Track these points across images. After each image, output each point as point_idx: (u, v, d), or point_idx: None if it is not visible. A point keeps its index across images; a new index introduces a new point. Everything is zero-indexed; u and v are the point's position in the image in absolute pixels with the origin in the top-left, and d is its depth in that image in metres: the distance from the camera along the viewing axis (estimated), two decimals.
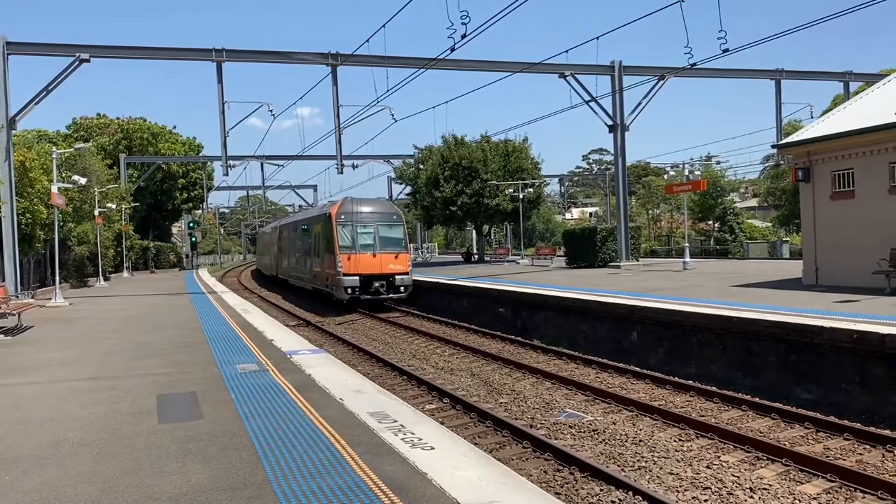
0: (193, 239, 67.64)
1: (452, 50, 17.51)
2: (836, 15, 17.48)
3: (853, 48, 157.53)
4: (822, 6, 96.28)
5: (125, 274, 46.63)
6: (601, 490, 7.64)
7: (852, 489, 7.62)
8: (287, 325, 19.33)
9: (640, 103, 32.35)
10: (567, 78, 30.41)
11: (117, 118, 61.38)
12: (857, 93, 30.11)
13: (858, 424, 9.74)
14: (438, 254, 74.31)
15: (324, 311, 27.53)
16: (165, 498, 5.19)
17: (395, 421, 7.11)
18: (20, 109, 26.31)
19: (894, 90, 18.79)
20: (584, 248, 33.50)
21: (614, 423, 10.39)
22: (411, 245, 27.66)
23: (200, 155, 63.71)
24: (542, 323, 19.80)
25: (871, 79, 35.60)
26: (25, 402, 8.68)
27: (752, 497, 7.47)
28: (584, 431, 10.03)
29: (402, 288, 26.48)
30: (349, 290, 25.58)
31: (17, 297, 21.48)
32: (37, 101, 26.31)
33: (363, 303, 26.19)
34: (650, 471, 8.32)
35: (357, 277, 25.58)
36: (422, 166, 47.23)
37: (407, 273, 26.65)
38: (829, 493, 7.60)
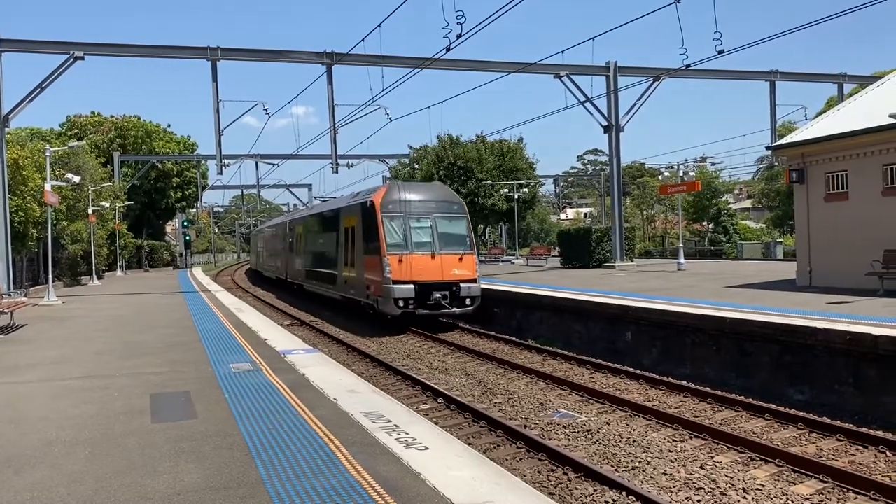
0: (187, 238, 67.51)
1: (448, 50, 17.55)
2: (832, 17, 17.58)
3: (848, 50, 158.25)
4: (818, 8, 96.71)
5: (119, 273, 46.47)
6: (595, 490, 7.65)
7: (845, 490, 7.64)
8: (281, 325, 19.30)
9: (635, 104, 32.48)
10: (562, 78, 30.46)
11: (111, 116, 61.21)
12: (851, 95, 30.25)
13: (851, 425, 9.77)
14: None
15: (317, 311, 27.43)
16: (158, 497, 5.17)
17: (390, 421, 7.10)
18: (13, 107, 26.25)
19: (888, 92, 18.87)
20: (579, 249, 33.54)
21: (608, 424, 10.40)
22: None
23: (195, 153, 63.60)
24: (537, 323, 19.81)
25: (865, 81, 35.76)
26: (18, 401, 8.65)
27: (745, 497, 7.48)
28: (578, 432, 10.04)
29: (468, 300, 20.38)
30: (401, 304, 19.71)
31: (9, 295, 21.42)
32: (30, 98, 26.24)
33: (416, 320, 20.47)
34: (644, 471, 8.33)
35: (412, 286, 19.71)
36: (417, 166, 47.33)
37: (475, 280, 20.64)
38: (822, 493, 7.62)
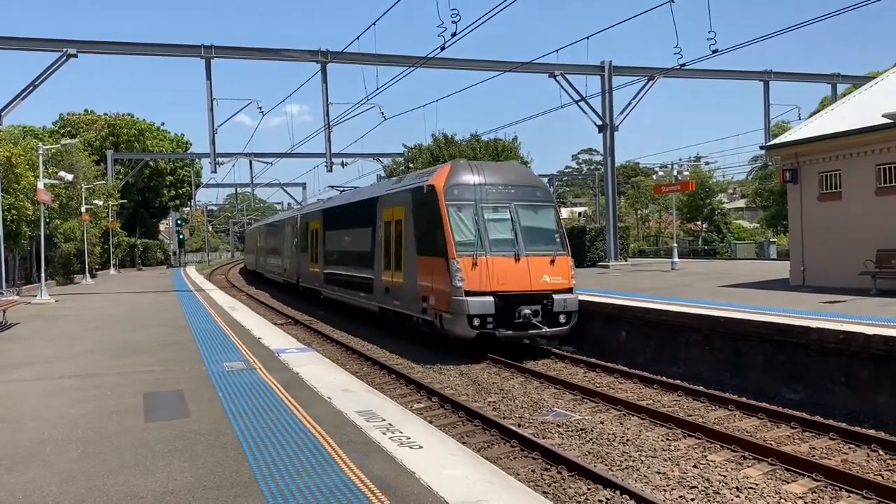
0: (181, 236, 67.28)
1: (443, 48, 17.54)
2: (826, 17, 17.65)
3: (842, 50, 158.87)
4: (812, 8, 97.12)
5: (112, 271, 46.34)
6: (589, 489, 7.65)
7: (837, 488, 7.66)
8: (275, 324, 19.25)
9: (629, 103, 32.54)
10: (557, 78, 30.48)
11: (104, 114, 60.96)
12: (845, 95, 30.36)
13: (844, 424, 9.80)
14: None
15: (311, 310, 27.35)
16: (151, 496, 5.15)
17: (383, 420, 7.09)
18: (6, 104, 26.18)
19: (882, 92, 18.94)
20: (574, 248, 33.49)
21: (602, 423, 10.41)
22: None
23: (188, 152, 63.43)
24: None
25: (859, 81, 35.89)
26: (10, 400, 8.60)
27: (738, 496, 7.50)
28: (572, 431, 10.04)
29: (562, 317, 15.62)
30: (476, 322, 14.87)
31: (1, 293, 21.32)
32: (23, 96, 26.17)
33: (494, 343, 15.47)
34: (637, 470, 8.34)
35: (490, 298, 14.91)
36: (411, 165, 47.24)
37: (571, 290, 15.93)
38: (815, 492, 7.64)
